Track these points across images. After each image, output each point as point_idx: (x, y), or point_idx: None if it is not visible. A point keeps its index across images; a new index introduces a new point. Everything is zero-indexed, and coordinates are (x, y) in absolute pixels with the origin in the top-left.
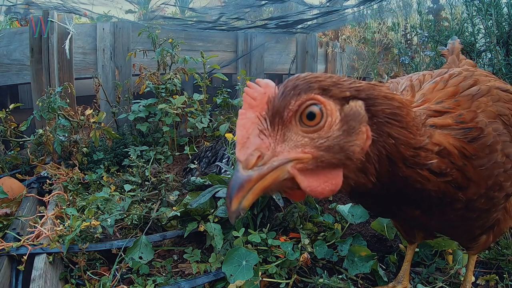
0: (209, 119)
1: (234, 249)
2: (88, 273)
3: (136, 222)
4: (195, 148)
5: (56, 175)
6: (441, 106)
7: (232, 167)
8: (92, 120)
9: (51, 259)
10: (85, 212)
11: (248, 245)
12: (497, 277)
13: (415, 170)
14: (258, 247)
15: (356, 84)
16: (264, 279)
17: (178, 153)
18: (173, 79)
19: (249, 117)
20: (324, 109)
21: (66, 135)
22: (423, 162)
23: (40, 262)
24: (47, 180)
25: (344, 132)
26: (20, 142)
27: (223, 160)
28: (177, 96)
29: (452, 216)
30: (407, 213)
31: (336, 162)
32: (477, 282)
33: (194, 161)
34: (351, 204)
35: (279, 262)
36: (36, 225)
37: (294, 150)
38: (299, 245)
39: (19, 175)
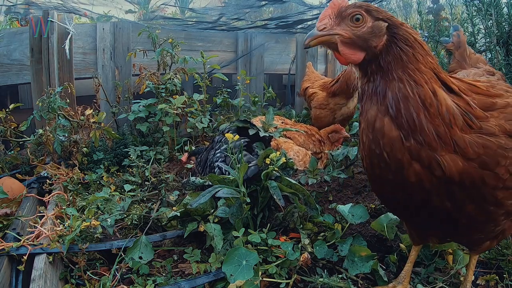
0: (209, 119)
1: (234, 249)
2: (88, 273)
3: (136, 222)
4: (192, 149)
5: (56, 175)
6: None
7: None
8: (92, 120)
9: (51, 259)
10: (85, 212)
11: (248, 245)
12: (497, 277)
13: (405, 78)
14: (258, 247)
15: (390, 16)
16: (264, 279)
17: (178, 153)
18: (173, 79)
19: (328, 11)
20: (364, 18)
21: (66, 135)
22: (412, 81)
23: (40, 262)
24: (47, 180)
25: (369, 32)
26: (20, 142)
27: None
28: (177, 96)
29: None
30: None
31: (361, 45)
32: (477, 282)
33: (191, 161)
34: (351, 204)
35: (279, 262)
36: (36, 225)
37: (342, 30)
38: (299, 245)
39: (19, 175)
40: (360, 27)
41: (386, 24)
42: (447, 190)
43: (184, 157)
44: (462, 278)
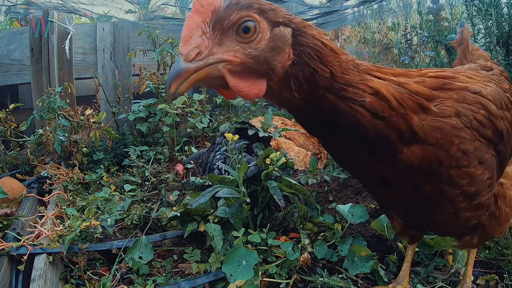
0: (209, 119)
1: (234, 249)
2: (88, 273)
3: (136, 222)
4: (191, 150)
5: (56, 175)
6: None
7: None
8: (92, 120)
9: (51, 259)
10: (85, 212)
11: (248, 245)
12: (497, 277)
13: (344, 102)
14: (258, 247)
15: (291, 16)
16: (264, 279)
17: (178, 153)
18: None
19: (195, 21)
20: (258, 26)
21: (66, 135)
22: (352, 97)
23: (40, 262)
24: (47, 180)
25: (270, 48)
26: (20, 142)
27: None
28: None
29: (402, 185)
30: (355, 155)
31: (261, 70)
32: (477, 282)
33: (191, 162)
34: (351, 204)
35: (279, 262)
36: (36, 225)
37: (227, 53)
38: (299, 245)
39: (19, 175)
40: (254, 42)
41: (290, 29)
42: (407, 175)
43: (179, 168)
44: (462, 278)
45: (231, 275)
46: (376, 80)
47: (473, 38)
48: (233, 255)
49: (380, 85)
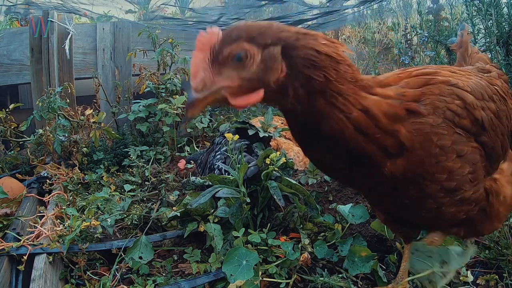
0: (209, 119)
1: (234, 249)
2: (88, 273)
3: (136, 222)
4: (195, 149)
5: (56, 175)
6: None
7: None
8: (92, 120)
9: (51, 259)
10: (85, 212)
11: (248, 245)
12: (497, 277)
13: (332, 110)
14: (258, 247)
15: (282, 32)
16: (264, 278)
17: (178, 153)
18: (173, 79)
19: (198, 57)
20: (249, 53)
21: (66, 135)
22: (340, 107)
23: (40, 262)
24: (47, 180)
25: (261, 69)
26: (20, 142)
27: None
28: (177, 96)
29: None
30: (336, 166)
31: (257, 87)
32: (477, 282)
33: (191, 162)
34: (351, 204)
35: (279, 262)
36: (36, 225)
37: (226, 81)
38: (299, 245)
39: (19, 175)
40: (247, 67)
41: (279, 47)
42: (390, 185)
43: (181, 164)
44: (462, 278)
45: (231, 275)
46: (371, 97)
47: (473, 38)
48: (233, 255)
49: (373, 102)
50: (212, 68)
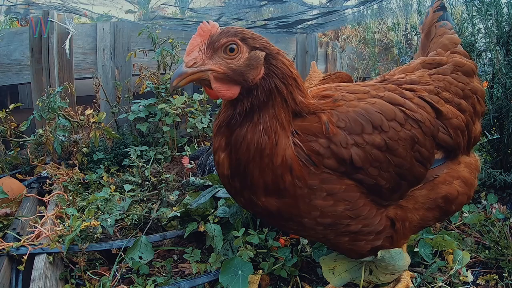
0: (209, 119)
1: (231, 259)
2: (88, 273)
3: (136, 222)
4: (195, 148)
5: (56, 175)
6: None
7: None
8: (92, 120)
9: (51, 259)
10: (85, 212)
11: (248, 245)
12: (497, 277)
13: (272, 123)
14: (258, 249)
15: (268, 44)
16: (264, 278)
17: (178, 153)
18: None
19: (196, 40)
20: (240, 48)
21: (66, 135)
22: (276, 128)
23: (40, 262)
24: (47, 180)
25: (246, 65)
26: (20, 142)
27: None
28: (177, 96)
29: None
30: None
31: (237, 80)
32: (477, 282)
33: (191, 162)
34: None
35: (279, 264)
36: (36, 225)
37: (215, 65)
38: (299, 247)
39: (19, 175)
40: (235, 59)
41: (264, 53)
42: (268, 214)
43: (185, 160)
44: (462, 278)
45: (228, 285)
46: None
47: (473, 38)
48: (229, 265)
49: (285, 145)
50: (206, 51)
